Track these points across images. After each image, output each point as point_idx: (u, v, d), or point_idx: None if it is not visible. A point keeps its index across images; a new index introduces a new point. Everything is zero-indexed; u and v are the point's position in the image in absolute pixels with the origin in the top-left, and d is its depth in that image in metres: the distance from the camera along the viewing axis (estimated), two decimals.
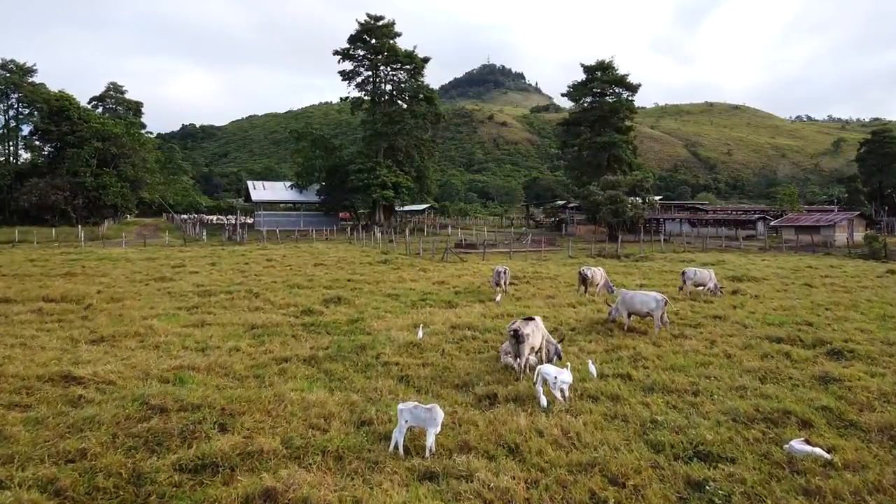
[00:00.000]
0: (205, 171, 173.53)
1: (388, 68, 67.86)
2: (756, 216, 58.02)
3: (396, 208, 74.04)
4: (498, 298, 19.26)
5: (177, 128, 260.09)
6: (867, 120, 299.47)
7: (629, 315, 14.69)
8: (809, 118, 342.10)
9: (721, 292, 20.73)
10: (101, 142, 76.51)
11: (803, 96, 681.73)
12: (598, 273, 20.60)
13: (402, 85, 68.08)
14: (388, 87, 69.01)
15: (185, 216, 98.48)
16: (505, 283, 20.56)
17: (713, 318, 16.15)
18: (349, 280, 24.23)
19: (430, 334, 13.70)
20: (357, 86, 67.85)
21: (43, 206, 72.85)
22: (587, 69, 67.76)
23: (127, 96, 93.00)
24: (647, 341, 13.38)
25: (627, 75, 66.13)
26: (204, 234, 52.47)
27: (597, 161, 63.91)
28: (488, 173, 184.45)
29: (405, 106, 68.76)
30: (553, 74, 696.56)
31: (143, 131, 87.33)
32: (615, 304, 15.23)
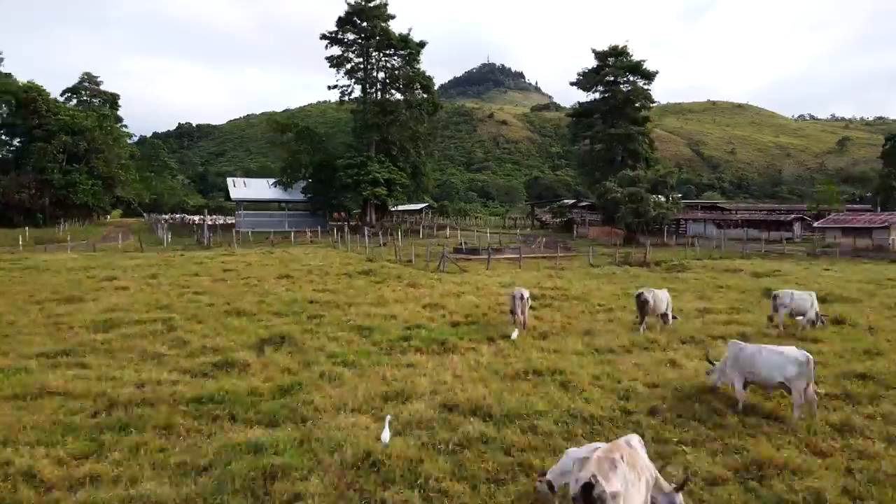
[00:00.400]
0: (200, 171, 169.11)
1: (381, 54, 61.59)
2: (792, 216, 52.01)
3: (390, 207, 67.58)
4: (514, 335, 13.32)
5: (173, 126, 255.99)
6: (871, 119, 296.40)
7: (746, 384, 8.73)
8: (812, 117, 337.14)
9: (823, 322, 14.83)
10: (71, 136, 70.80)
11: (804, 95, 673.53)
12: (662, 297, 14.58)
13: (396, 72, 61.79)
14: (381, 74, 62.76)
15: (166, 216, 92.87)
16: (523, 312, 14.56)
17: (859, 380, 10.17)
18: (312, 301, 18.21)
19: (408, 431, 7.72)
20: (346, 73, 61.43)
21: (8, 205, 67.18)
22: (599, 55, 61.78)
23: (103, 87, 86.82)
24: (796, 442, 7.41)
25: (643, 62, 60.12)
26: (167, 236, 46.49)
27: (610, 155, 57.93)
28: (488, 172, 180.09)
29: (399, 95, 62.64)
30: (553, 74, 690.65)
31: (118, 125, 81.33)
32: (721, 363, 9.28)
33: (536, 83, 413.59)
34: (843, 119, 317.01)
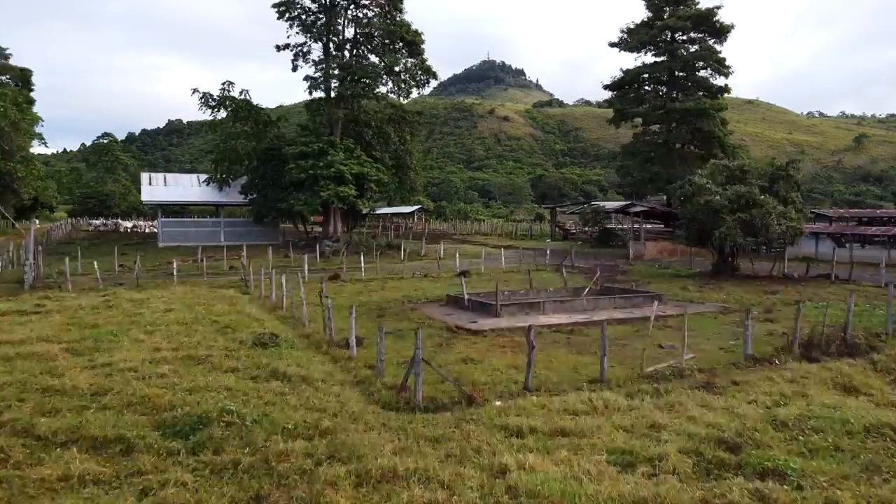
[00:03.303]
0: (187, 169, 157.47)
1: (349, 1, 44.47)
2: None
3: (364, 211, 48.36)
4: None
5: (162, 124, 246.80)
6: (883, 116, 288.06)
7: None
8: (821, 114, 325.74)
9: None
10: None
11: (807, 92, 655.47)
12: None
13: (372, 29, 44.58)
14: (351, 30, 45.52)
15: (97, 221, 77.33)
16: None
17: None
18: None
19: None
20: (302, 28, 44.36)
21: None
22: (651, 4, 44.69)
23: (12, 62, 69.26)
24: None
25: (717, 9, 42.78)
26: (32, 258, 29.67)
27: (672, 140, 40.94)
28: (489, 171, 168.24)
29: (376, 59, 45.52)
30: (555, 72, 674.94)
31: (27, 107, 63.86)
32: None
33: (537, 80, 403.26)
34: (854, 116, 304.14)
